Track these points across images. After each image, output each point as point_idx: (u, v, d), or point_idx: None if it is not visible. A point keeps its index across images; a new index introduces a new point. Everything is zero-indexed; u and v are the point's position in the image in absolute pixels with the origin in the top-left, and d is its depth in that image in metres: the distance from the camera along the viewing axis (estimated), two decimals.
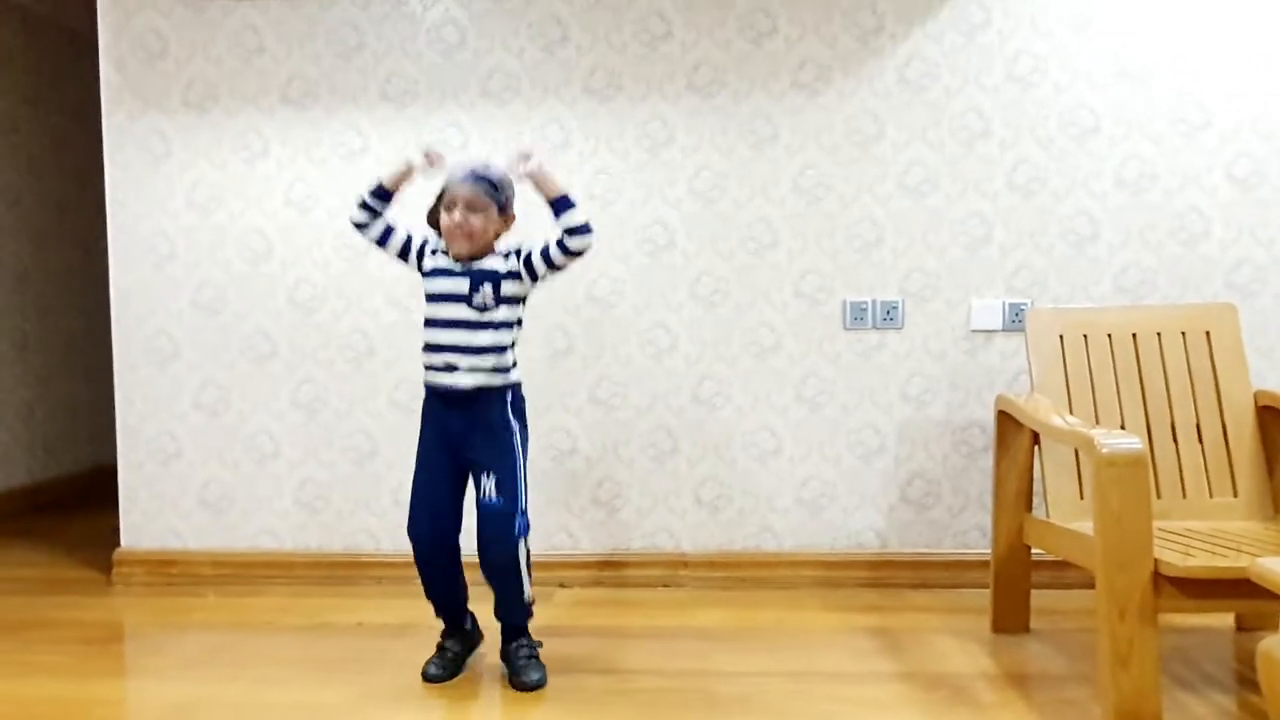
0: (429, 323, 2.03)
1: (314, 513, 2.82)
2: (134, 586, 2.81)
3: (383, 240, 2.07)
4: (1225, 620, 2.35)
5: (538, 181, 1.98)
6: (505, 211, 2.03)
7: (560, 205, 1.97)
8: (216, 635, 2.39)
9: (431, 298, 2.04)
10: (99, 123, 2.81)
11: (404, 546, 2.76)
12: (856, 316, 2.68)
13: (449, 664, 2.08)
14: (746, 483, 2.74)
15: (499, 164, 2.05)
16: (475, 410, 2.02)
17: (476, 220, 1.97)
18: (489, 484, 1.99)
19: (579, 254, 1.99)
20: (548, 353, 2.73)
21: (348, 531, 2.81)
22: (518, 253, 2.02)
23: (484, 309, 1.99)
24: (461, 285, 2.00)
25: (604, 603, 2.59)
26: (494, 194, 1.99)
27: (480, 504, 2.00)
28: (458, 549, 2.08)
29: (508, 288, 2.00)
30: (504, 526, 1.98)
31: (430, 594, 2.10)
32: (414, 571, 2.72)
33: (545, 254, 1.99)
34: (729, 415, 2.73)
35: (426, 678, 2.04)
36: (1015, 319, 2.63)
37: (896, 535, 2.72)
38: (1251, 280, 2.60)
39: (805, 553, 2.72)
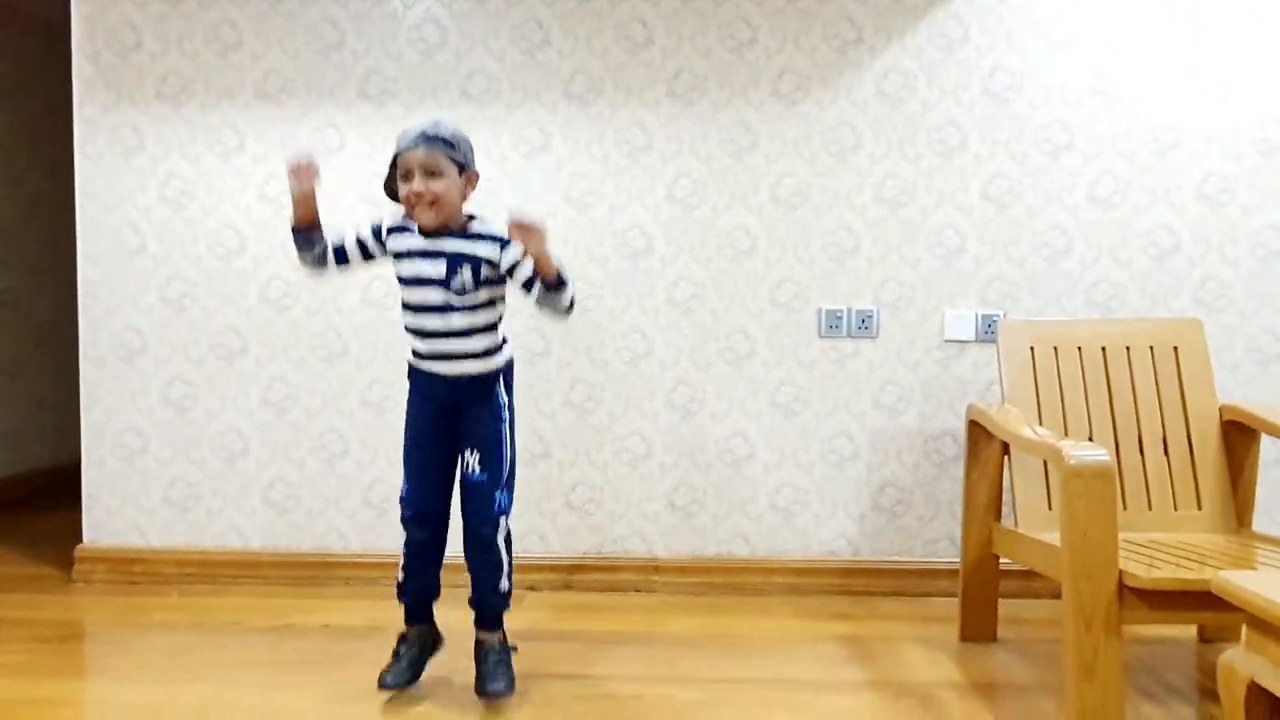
0: (407, 307, 1.93)
1: (282, 512, 2.79)
2: (95, 585, 2.77)
3: (341, 261, 1.94)
4: (1188, 632, 2.38)
5: (538, 260, 1.81)
6: (467, 170, 1.88)
7: (552, 285, 1.84)
8: (179, 635, 2.35)
9: (406, 281, 1.91)
10: (72, 115, 2.77)
11: (373, 546, 2.76)
12: (832, 325, 2.69)
13: (404, 671, 1.97)
14: (720, 488, 2.74)
15: (447, 122, 1.88)
16: (464, 388, 1.94)
17: (438, 185, 1.82)
18: (473, 459, 1.93)
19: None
20: (523, 355, 2.72)
21: (317, 531, 2.78)
22: (502, 243, 1.87)
23: (463, 292, 1.87)
24: (437, 268, 1.86)
25: (574, 607, 2.58)
26: (452, 153, 1.84)
27: (464, 478, 1.94)
28: (445, 533, 2.00)
29: (487, 271, 1.89)
30: (484, 499, 1.93)
31: (408, 580, 2.00)
32: (382, 573, 2.73)
33: (527, 289, 1.88)
34: (703, 421, 2.73)
35: (382, 686, 1.94)
36: (988, 330, 2.65)
37: (868, 543, 2.73)
38: (1218, 296, 2.64)
39: (777, 559, 2.73)
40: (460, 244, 1.88)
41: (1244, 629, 1.43)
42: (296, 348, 2.76)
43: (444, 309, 1.89)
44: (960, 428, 2.64)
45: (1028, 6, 2.63)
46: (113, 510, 2.81)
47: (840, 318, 2.69)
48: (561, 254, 2.70)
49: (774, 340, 2.71)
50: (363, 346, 2.75)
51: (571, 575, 2.73)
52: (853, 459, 2.72)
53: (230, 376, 2.77)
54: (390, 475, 2.76)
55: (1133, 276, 2.65)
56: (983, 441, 2.26)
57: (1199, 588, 1.67)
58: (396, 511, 2.71)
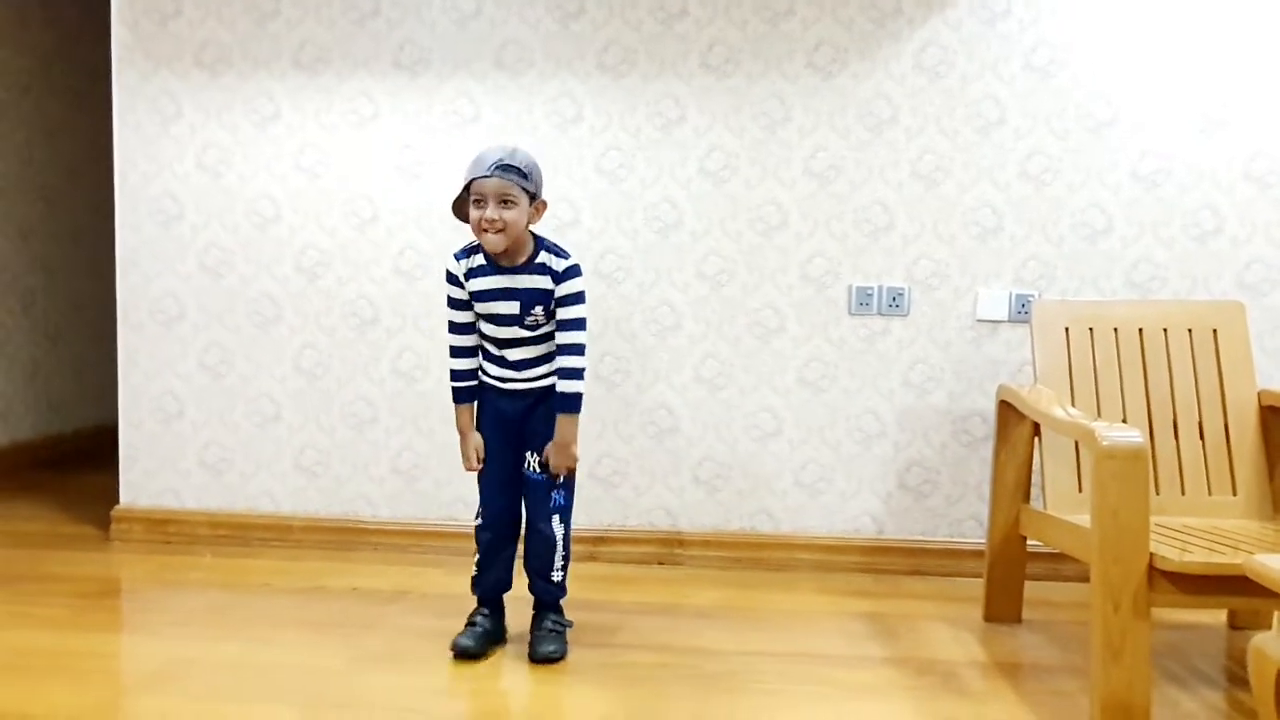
0: (486, 338, 2.06)
1: (313, 477, 2.83)
2: (131, 544, 2.83)
3: (475, 352, 2.09)
4: (1218, 618, 2.35)
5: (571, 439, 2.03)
6: (536, 199, 1.98)
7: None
8: (212, 594, 2.40)
9: (484, 318, 2.03)
10: (111, 83, 2.81)
11: (401, 514, 2.80)
12: (862, 302, 2.67)
13: (480, 637, 2.04)
14: (745, 464, 2.73)
15: (522, 151, 1.96)
16: (535, 400, 2.05)
17: (509, 213, 1.91)
18: (534, 460, 2.04)
19: None
20: None
21: (346, 497, 2.83)
22: (555, 276, 1.98)
23: (536, 328, 2.01)
24: (512, 306, 1.99)
25: (598, 578, 2.60)
26: (524, 182, 1.93)
27: (525, 477, 2.06)
28: (517, 531, 2.10)
29: (554, 304, 2.03)
30: (541, 497, 2.04)
31: (481, 579, 2.10)
32: (410, 540, 2.77)
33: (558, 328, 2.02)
34: (730, 395, 2.72)
35: (457, 650, 2.01)
36: (1022, 310, 2.62)
37: (893, 522, 2.72)
38: (1262, 279, 2.58)
39: (802, 536, 2.73)
40: (531, 279, 1.99)
41: (1276, 614, 1.41)
42: (329, 316, 2.79)
43: (520, 342, 2.02)
44: (989, 408, 2.62)
45: None
46: (149, 472, 2.87)
47: (871, 295, 2.67)
48: (592, 226, 2.71)
49: (803, 316, 2.70)
50: (394, 316, 2.77)
51: (596, 547, 2.75)
52: (880, 437, 2.70)
53: (264, 343, 2.81)
54: (418, 444, 2.79)
55: (1174, 257, 2.59)
56: (1013, 422, 2.23)
57: (1231, 572, 1.65)
58: (424, 479, 2.80)
